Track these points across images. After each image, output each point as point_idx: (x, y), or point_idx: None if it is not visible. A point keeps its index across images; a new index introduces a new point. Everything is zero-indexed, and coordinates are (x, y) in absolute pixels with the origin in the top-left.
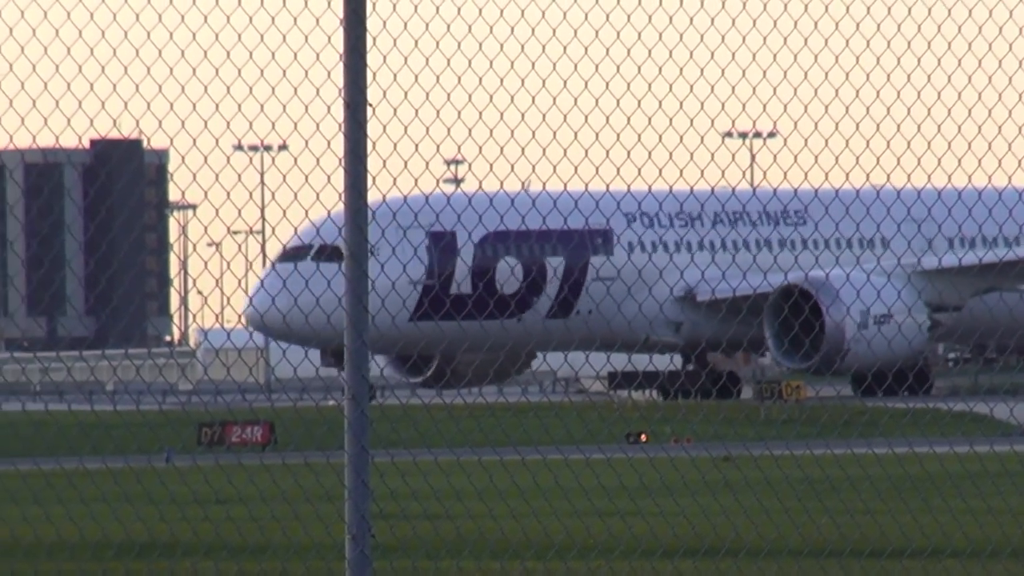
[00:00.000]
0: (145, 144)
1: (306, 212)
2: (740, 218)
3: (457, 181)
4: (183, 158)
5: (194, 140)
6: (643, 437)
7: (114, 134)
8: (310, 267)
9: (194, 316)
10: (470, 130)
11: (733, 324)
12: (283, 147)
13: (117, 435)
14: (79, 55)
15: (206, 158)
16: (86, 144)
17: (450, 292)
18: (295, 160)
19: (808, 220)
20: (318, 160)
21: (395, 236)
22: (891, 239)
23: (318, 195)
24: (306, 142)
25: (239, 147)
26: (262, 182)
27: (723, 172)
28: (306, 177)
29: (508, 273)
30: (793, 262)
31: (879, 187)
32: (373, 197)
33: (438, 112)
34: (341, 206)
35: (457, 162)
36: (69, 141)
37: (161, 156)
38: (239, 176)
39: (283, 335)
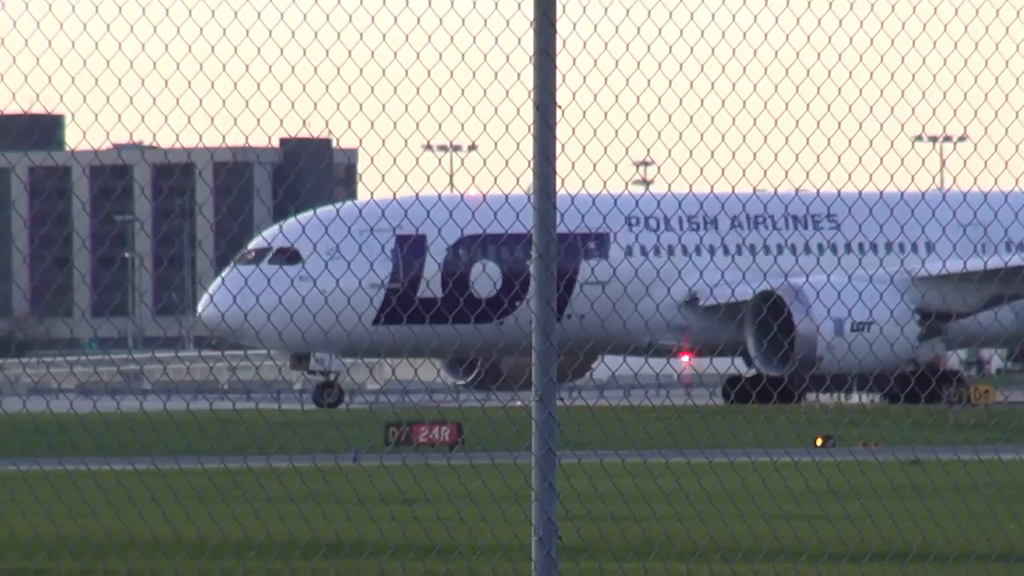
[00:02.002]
0: (334, 144)
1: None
2: (762, 221)
3: (647, 183)
4: (372, 159)
5: (383, 141)
6: (820, 441)
7: (304, 133)
8: (248, 269)
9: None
10: (659, 132)
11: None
12: (472, 147)
13: (305, 434)
14: (270, 55)
15: (395, 159)
16: (276, 143)
17: (417, 296)
18: (484, 162)
19: (837, 224)
20: (507, 162)
21: (359, 239)
22: (894, 242)
23: (507, 197)
24: (495, 144)
25: (428, 147)
26: (451, 183)
27: (912, 177)
28: (495, 178)
29: (483, 276)
30: (815, 264)
31: (903, 190)
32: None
33: (627, 114)
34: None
35: (646, 164)
36: (259, 140)
37: (350, 156)
38: (427, 177)
39: (227, 336)
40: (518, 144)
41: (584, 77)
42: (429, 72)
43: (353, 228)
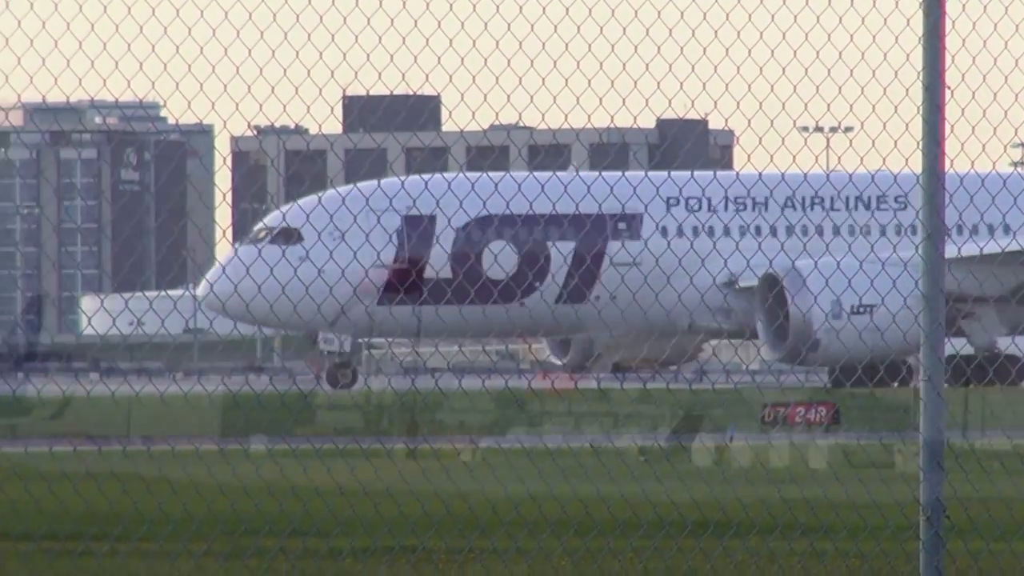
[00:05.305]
0: (712, 124)
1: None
2: (818, 202)
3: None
4: (760, 139)
5: (771, 121)
6: None
7: (677, 115)
8: (252, 249)
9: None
10: None
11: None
12: (847, 129)
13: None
14: (659, 36)
15: (783, 139)
16: (652, 123)
17: (426, 276)
18: (872, 142)
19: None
20: (896, 142)
21: (364, 219)
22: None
23: (895, 177)
24: (884, 124)
25: (807, 128)
26: (839, 162)
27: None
28: (883, 159)
29: (497, 257)
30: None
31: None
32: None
33: (1016, 95)
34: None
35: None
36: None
37: (728, 136)
38: (815, 158)
39: (229, 316)
40: (907, 125)
41: (974, 57)
42: (818, 53)
43: (358, 208)
